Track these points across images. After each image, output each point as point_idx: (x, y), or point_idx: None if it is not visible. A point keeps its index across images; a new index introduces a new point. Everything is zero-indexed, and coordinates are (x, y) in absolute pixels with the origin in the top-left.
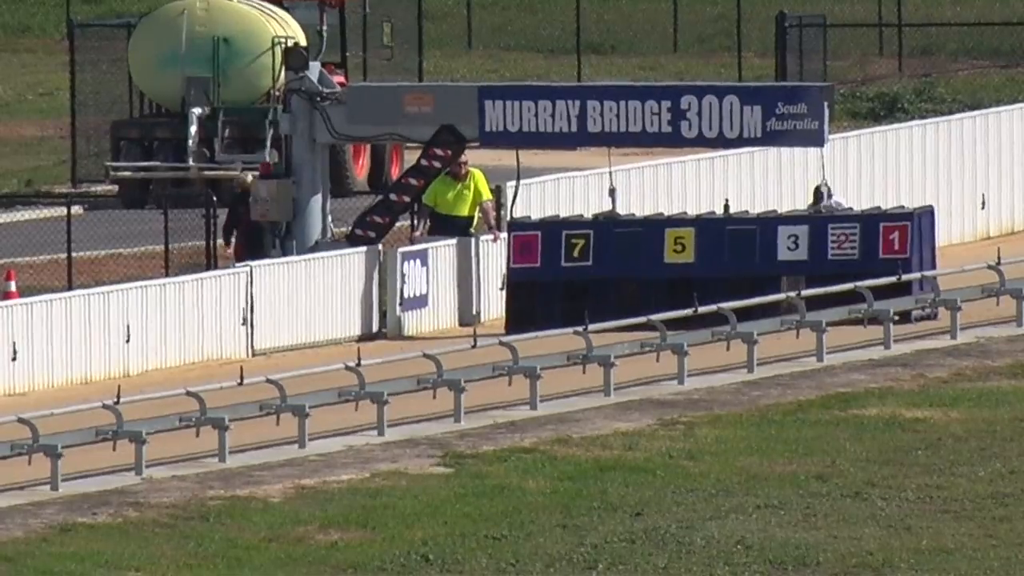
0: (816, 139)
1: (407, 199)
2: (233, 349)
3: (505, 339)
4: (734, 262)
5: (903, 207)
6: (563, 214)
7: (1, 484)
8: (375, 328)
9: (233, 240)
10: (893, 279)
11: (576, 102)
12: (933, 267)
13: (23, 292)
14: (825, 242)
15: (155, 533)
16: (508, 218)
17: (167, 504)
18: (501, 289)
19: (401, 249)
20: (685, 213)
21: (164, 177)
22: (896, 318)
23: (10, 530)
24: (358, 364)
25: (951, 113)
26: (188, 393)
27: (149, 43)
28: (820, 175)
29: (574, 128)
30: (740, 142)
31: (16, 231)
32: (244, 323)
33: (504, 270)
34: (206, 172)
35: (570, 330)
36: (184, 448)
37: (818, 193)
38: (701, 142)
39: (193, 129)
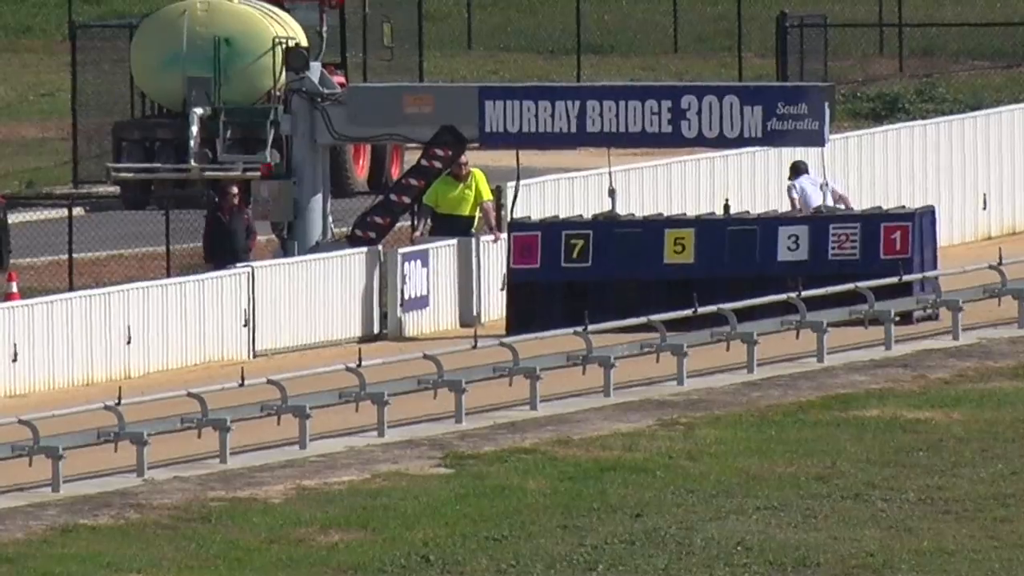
0: (817, 139)
1: (407, 200)
2: (234, 350)
3: (505, 340)
4: (734, 262)
5: (904, 207)
6: (563, 215)
7: (2, 486)
8: (376, 329)
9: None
10: (894, 279)
11: (576, 102)
12: (934, 267)
13: (24, 293)
14: (826, 242)
15: (156, 534)
16: (508, 219)
17: (168, 505)
18: (501, 290)
19: (402, 250)
20: (685, 214)
21: (165, 178)
22: (897, 319)
23: (11, 531)
24: (359, 365)
25: (952, 113)
26: (189, 394)
27: (150, 44)
28: (821, 175)
29: (574, 128)
30: (740, 142)
31: (17, 232)
32: (245, 324)
33: (504, 271)
34: (207, 173)
35: (570, 331)
36: (185, 449)
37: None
38: (701, 142)
39: (194, 130)
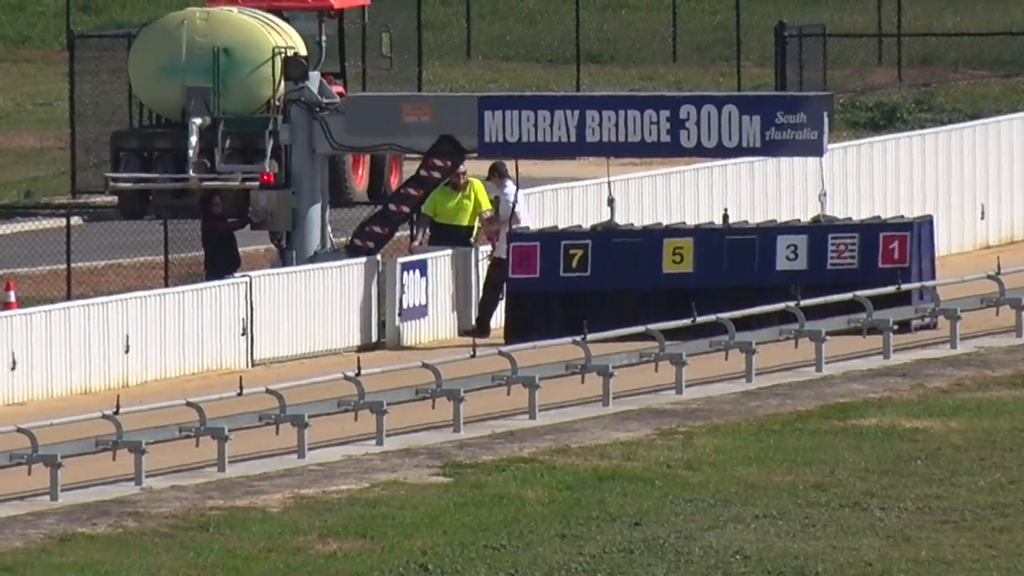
0: (815, 149)
1: (406, 209)
2: (232, 359)
3: (504, 349)
4: (733, 272)
5: (903, 217)
6: (562, 224)
7: (1, 494)
8: (374, 338)
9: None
10: (892, 289)
11: (575, 112)
12: (933, 277)
13: (22, 302)
14: (824, 252)
15: (154, 543)
16: (507, 229)
17: (166, 514)
18: (500, 299)
19: (400, 259)
20: (684, 223)
21: (164, 188)
22: (895, 328)
23: (9, 540)
24: (357, 374)
25: (951, 123)
26: (188, 403)
27: (149, 53)
28: (820, 185)
29: (573, 138)
30: (739, 152)
31: (15, 242)
32: (243, 333)
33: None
34: (206, 183)
35: (569, 340)
36: (183, 458)
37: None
38: (700, 152)
39: (193, 139)
